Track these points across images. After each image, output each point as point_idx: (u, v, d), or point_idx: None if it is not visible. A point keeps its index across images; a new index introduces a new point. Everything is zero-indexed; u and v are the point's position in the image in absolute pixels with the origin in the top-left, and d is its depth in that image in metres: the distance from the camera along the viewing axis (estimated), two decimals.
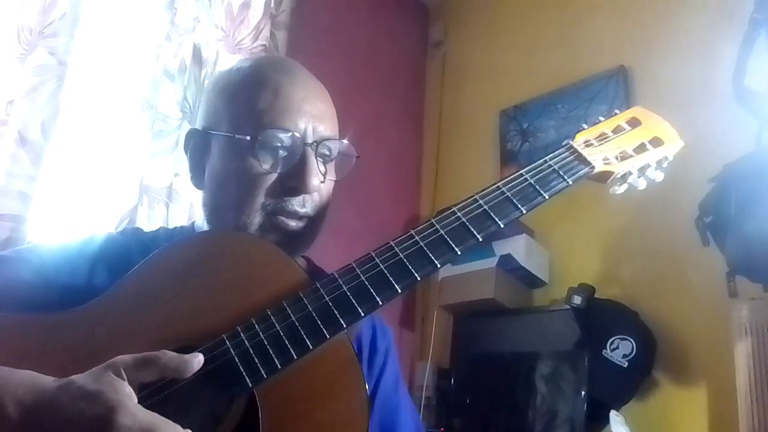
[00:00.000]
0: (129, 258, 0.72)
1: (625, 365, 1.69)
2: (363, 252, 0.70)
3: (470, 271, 2.04)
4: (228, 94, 0.84)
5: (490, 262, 2.02)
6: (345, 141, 0.87)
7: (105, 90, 1.72)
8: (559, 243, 2.10)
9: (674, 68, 1.94)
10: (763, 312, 1.52)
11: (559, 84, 2.29)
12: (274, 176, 0.79)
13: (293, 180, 0.79)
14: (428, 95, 2.85)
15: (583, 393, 1.66)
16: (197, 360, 0.60)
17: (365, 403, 0.66)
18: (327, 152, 0.84)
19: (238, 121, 0.81)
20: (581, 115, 2.18)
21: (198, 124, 0.88)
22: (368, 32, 2.62)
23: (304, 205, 0.80)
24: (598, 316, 1.78)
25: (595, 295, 1.81)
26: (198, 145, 0.86)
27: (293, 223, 0.80)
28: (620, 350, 1.71)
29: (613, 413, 1.64)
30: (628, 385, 1.71)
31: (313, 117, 0.82)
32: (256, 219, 0.79)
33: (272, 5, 2.06)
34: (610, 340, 1.73)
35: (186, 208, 1.73)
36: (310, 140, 0.81)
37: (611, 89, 2.12)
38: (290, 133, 0.80)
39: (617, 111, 0.93)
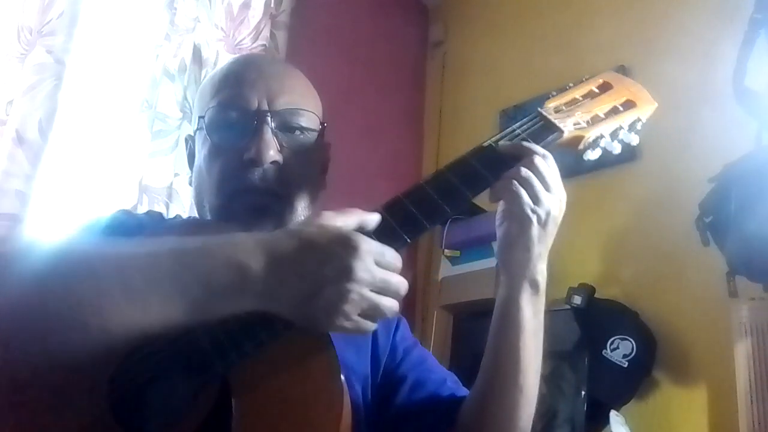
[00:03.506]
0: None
1: (625, 365, 1.69)
2: None
3: (470, 271, 2.04)
4: (200, 93, 0.88)
5: (490, 262, 2.02)
6: (308, 110, 0.83)
7: (105, 90, 1.71)
8: (558, 243, 2.09)
9: (674, 68, 1.94)
10: (763, 312, 1.53)
11: (559, 84, 2.27)
12: (234, 152, 0.78)
13: (248, 152, 0.77)
14: (428, 95, 2.85)
15: (583, 393, 1.66)
16: (377, 216, 0.64)
17: (341, 387, 0.63)
18: (291, 124, 0.81)
19: (198, 112, 0.84)
20: None
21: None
22: (368, 32, 2.62)
23: (264, 178, 0.77)
24: (598, 316, 1.78)
25: (595, 295, 1.81)
26: (190, 149, 0.89)
27: (257, 199, 0.78)
28: (620, 350, 1.71)
29: (613, 413, 1.63)
30: (628, 385, 1.71)
31: (267, 90, 0.80)
32: (224, 197, 0.78)
33: (272, 5, 2.06)
34: (610, 340, 1.73)
35: (186, 208, 1.73)
36: (264, 109, 0.79)
37: None
38: (238, 105, 0.79)
39: (587, 76, 0.91)
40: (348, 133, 0.86)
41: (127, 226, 0.80)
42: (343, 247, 0.58)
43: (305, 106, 0.83)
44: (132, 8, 1.80)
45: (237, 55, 1.10)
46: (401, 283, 0.61)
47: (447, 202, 0.70)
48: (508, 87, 2.48)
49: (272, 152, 0.77)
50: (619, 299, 1.83)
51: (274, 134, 0.79)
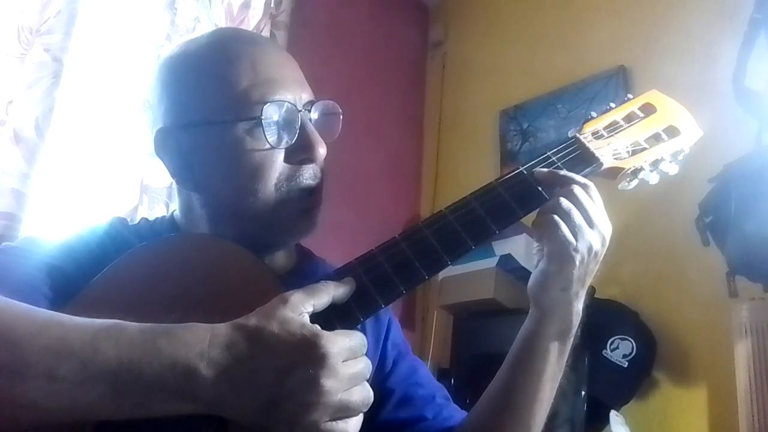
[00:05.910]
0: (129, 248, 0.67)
1: (625, 365, 1.69)
2: (363, 252, 0.67)
3: (470, 271, 2.03)
4: (197, 79, 0.75)
5: (490, 262, 2.02)
6: (329, 100, 0.79)
7: (105, 89, 1.72)
8: None
9: (674, 68, 1.94)
10: (763, 312, 1.53)
11: (559, 84, 2.29)
12: (279, 153, 0.73)
13: (301, 152, 0.73)
14: (428, 95, 2.85)
15: (583, 393, 1.66)
16: (351, 283, 0.61)
17: None
18: (316, 116, 0.77)
19: (222, 104, 0.72)
20: (581, 115, 2.17)
21: (164, 122, 0.76)
22: (368, 32, 2.62)
23: (315, 176, 0.75)
24: (598, 316, 1.78)
25: (595, 295, 1.81)
26: (176, 144, 0.75)
27: (308, 198, 0.75)
28: (620, 350, 1.71)
29: (613, 413, 1.64)
30: (628, 385, 1.71)
31: (294, 82, 0.76)
32: (271, 202, 0.72)
33: (272, 5, 2.06)
34: (610, 340, 1.73)
35: None
36: (300, 107, 0.74)
37: (611, 89, 2.12)
38: (285, 104, 0.73)
39: (630, 95, 0.84)
40: (348, 133, 0.84)
41: (124, 236, 0.75)
42: (307, 356, 0.51)
43: (312, 93, 0.79)
44: (133, 9, 1.80)
45: (220, 31, 0.97)
46: (368, 366, 0.56)
47: (446, 250, 0.66)
48: (508, 87, 2.48)
49: (322, 150, 0.74)
50: (619, 299, 1.83)
51: (317, 128, 0.76)
